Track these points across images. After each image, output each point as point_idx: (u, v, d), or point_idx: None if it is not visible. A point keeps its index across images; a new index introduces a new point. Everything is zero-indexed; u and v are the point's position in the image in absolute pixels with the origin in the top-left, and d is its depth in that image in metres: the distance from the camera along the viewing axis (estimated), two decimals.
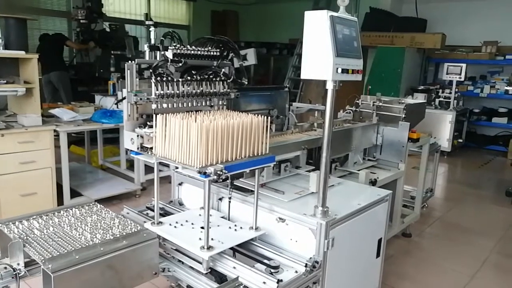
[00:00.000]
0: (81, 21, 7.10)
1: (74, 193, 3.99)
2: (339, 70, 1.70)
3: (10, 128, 3.41)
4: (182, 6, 10.92)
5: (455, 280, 3.06)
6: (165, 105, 1.87)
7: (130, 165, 4.95)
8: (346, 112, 3.43)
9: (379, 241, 2.26)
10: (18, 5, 7.42)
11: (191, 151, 1.61)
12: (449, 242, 3.74)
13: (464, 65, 6.87)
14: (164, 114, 1.74)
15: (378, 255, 2.28)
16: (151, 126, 1.85)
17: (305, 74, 1.77)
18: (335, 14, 1.72)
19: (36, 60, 3.65)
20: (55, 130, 3.67)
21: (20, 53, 3.61)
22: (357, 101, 3.46)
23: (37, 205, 3.36)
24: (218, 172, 1.57)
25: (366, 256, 2.23)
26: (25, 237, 1.63)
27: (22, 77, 3.70)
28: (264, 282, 1.61)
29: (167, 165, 5.50)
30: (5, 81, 3.51)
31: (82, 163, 5.37)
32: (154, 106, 1.84)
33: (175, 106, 1.91)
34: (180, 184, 2.45)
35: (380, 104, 3.37)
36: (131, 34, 8.39)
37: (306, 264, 1.75)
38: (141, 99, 1.82)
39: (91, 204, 2.02)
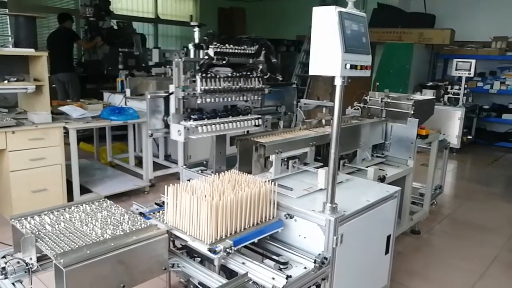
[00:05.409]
0: (89, 19, 7.13)
1: (84, 190, 4.04)
2: (348, 66, 1.69)
3: (21, 125, 3.45)
4: (189, 3, 10.94)
5: (465, 277, 3.05)
6: (208, 100, 2.02)
7: (139, 162, 4.98)
8: (354, 109, 3.43)
9: (388, 237, 2.26)
10: (27, 3, 7.48)
11: (201, 225, 1.68)
12: (458, 240, 3.71)
13: (473, 61, 6.80)
14: (176, 185, 1.80)
15: (387, 251, 2.28)
16: (195, 119, 2.02)
17: (313, 70, 1.77)
18: (343, 9, 1.71)
19: (45, 58, 3.69)
20: (64, 127, 3.71)
21: (30, 51, 3.64)
22: (365, 98, 3.45)
23: (48, 201, 3.39)
24: (228, 250, 1.64)
25: (375, 252, 2.23)
26: (37, 232, 1.65)
27: (32, 75, 3.74)
28: (273, 278, 1.61)
29: (175, 162, 5.50)
30: (15, 79, 3.55)
31: (91, 160, 5.42)
32: (199, 101, 2.01)
33: (216, 100, 2.07)
34: (188, 180, 2.44)
35: (389, 100, 3.35)
36: (139, 31, 8.41)
37: (315, 260, 1.76)
38: (188, 93, 1.98)
39: (101, 200, 2.03)
